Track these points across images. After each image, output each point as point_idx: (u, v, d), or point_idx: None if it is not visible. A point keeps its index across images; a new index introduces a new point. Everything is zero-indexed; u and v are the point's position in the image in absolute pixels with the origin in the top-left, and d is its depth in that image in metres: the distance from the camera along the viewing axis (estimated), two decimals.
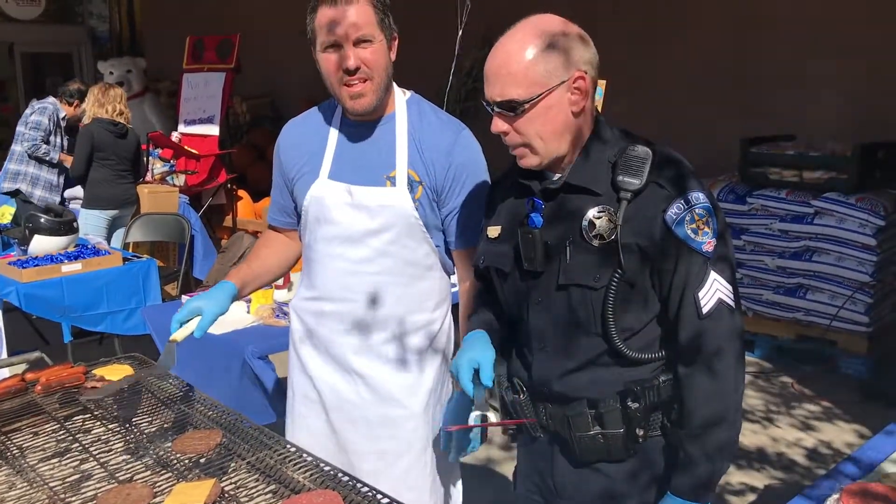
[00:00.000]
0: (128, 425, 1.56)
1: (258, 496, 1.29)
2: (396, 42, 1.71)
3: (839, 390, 4.19)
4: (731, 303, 1.38)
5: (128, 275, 4.00)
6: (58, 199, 5.68)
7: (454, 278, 1.88)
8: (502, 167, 1.59)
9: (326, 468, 1.37)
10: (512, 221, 1.50)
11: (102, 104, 5.04)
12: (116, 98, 5.10)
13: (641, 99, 5.50)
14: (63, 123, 5.76)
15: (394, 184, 1.72)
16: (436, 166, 1.72)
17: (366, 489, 1.29)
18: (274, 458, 1.40)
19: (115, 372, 1.75)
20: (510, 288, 1.51)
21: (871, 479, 1.61)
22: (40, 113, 5.63)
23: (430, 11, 5.95)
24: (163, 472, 1.38)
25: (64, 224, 4.02)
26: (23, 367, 2.06)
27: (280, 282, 3.09)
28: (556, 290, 1.42)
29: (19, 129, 5.67)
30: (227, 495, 1.29)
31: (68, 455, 1.46)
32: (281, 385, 2.44)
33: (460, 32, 4.32)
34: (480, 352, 1.49)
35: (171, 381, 1.76)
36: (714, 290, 1.36)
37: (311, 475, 1.35)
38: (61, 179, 5.75)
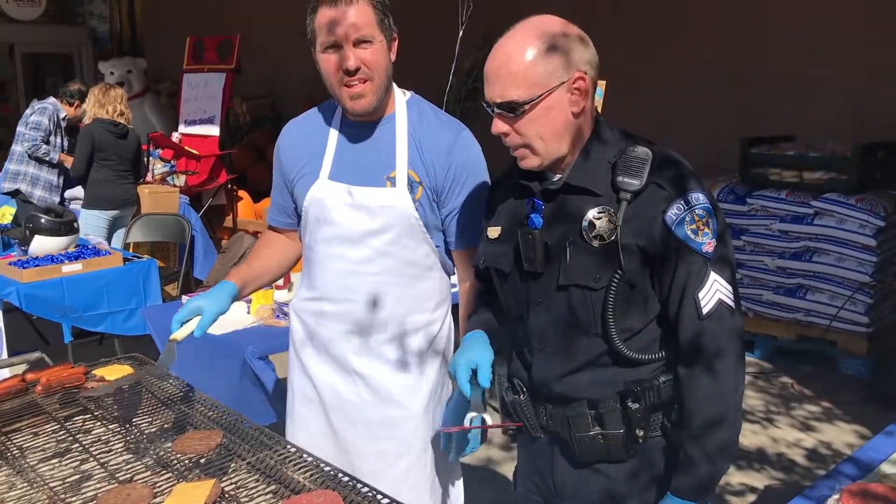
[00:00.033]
0: (128, 426, 1.56)
1: (258, 496, 1.29)
2: (396, 42, 1.71)
3: (839, 391, 4.19)
4: (732, 303, 1.38)
5: (128, 275, 4.00)
6: (57, 199, 5.68)
7: (454, 279, 1.88)
8: (502, 168, 1.59)
9: (326, 468, 1.37)
10: (512, 222, 1.50)
11: (103, 104, 5.04)
12: (117, 98, 5.10)
13: (641, 99, 5.50)
14: (63, 124, 5.76)
15: (394, 184, 1.72)
16: (436, 167, 1.73)
17: (366, 489, 1.29)
18: (274, 459, 1.40)
19: (116, 372, 1.75)
20: (510, 288, 1.51)
21: (871, 479, 1.61)
22: (40, 113, 5.63)
23: (431, 12, 5.95)
24: (163, 472, 1.38)
25: (64, 224, 4.02)
26: (23, 367, 2.06)
27: (280, 282, 3.10)
28: (556, 291, 1.42)
29: (19, 129, 5.67)
30: (227, 496, 1.29)
31: (68, 455, 1.46)
32: (281, 385, 2.44)
33: (461, 33, 4.32)
34: (478, 353, 1.49)
35: (171, 381, 1.76)
36: (714, 291, 1.36)
37: (312, 475, 1.35)
38: (61, 180, 5.76)
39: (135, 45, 10.29)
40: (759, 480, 3.30)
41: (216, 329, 2.81)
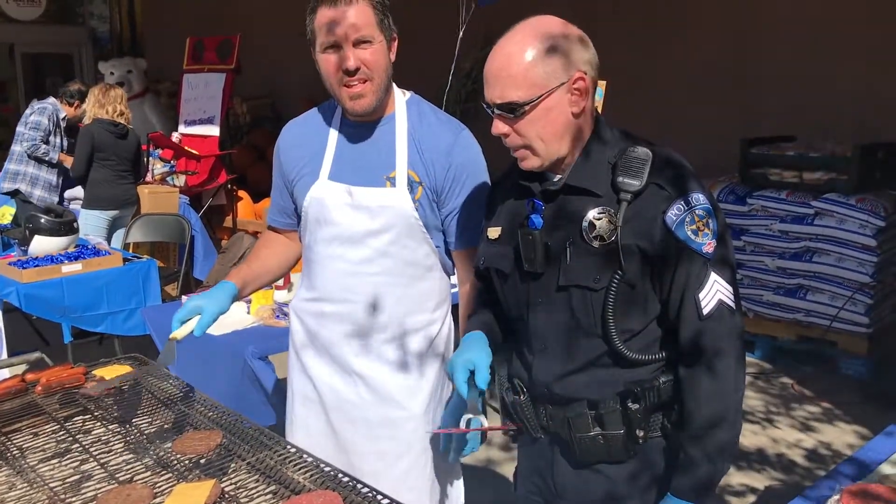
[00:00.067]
0: (128, 426, 1.56)
1: (258, 497, 1.29)
2: (396, 43, 1.71)
3: (839, 391, 4.19)
4: (732, 304, 1.38)
5: (128, 275, 4.00)
6: (56, 199, 5.68)
7: (454, 279, 1.88)
8: (502, 168, 1.59)
9: (326, 469, 1.37)
10: (512, 223, 1.50)
11: (103, 105, 5.04)
12: (117, 98, 5.10)
13: (641, 99, 5.50)
14: (63, 124, 5.76)
15: (394, 184, 1.72)
16: (436, 167, 1.73)
17: (366, 490, 1.29)
18: (274, 459, 1.40)
19: (116, 372, 1.75)
20: (510, 289, 1.51)
21: (871, 480, 1.61)
22: (40, 113, 5.63)
23: (431, 12, 5.95)
24: (163, 472, 1.38)
25: (64, 224, 4.02)
26: (23, 367, 2.06)
27: (280, 282, 3.10)
28: (557, 292, 1.42)
29: (19, 129, 5.68)
30: (227, 496, 1.29)
31: (68, 456, 1.46)
32: (281, 387, 2.44)
33: (461, 33, 4.32)
34: (476, 354, 1.49)
35: (171, 381, 1.76)
36: (714, 292, 1.36)
37: (312, 476, 1.35)
38: (60, 180, 5.76)
39: (135, 46, 10.29)
40: (759, 481, 3.30)
41: (216, 329, 2.82)
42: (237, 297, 1.79)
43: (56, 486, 1.32)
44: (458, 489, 1.95)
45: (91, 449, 1.46)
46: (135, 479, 1.35)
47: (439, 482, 1.88)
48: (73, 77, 9.22)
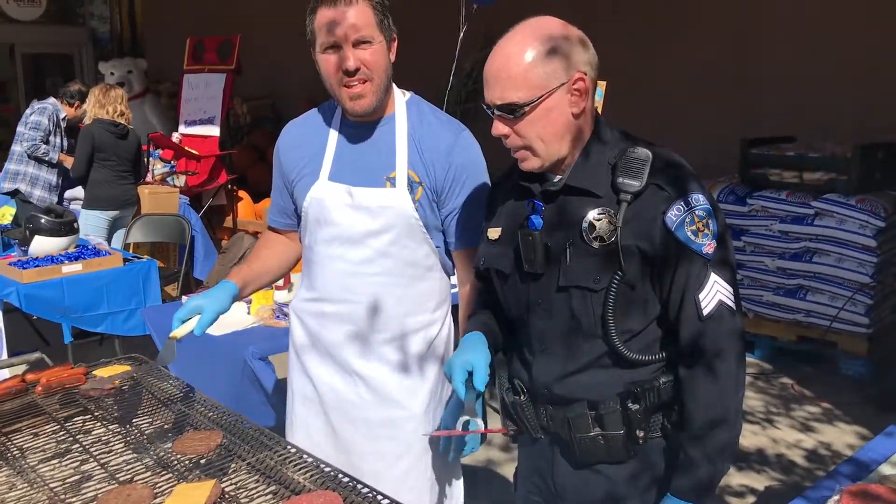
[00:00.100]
0: (128, 426, 1.56)
1: (258, 497, 1.29)
2: (396, 43, 1.71)
3: (839, 392, 4.19)
4: (732, 304, 1.38)
5: (128, 275, 4.00)
6: (56, 199, 5.68)
7: (454, 279, 1.88)
8: (502, 168, 1.59)
9: (327, 469, 1.37)
10: (512, 223, 1.50)
11: (103, 105, 5.04)
12: (117, 99, 5.11)
13: (641, 99, 5.50)
14: (63, 124, 5.76)
15: (394, 185, 1.72)
16: (436, 167, 1.73)
17: (366, 490, 1.29)
18: (274, 459, 1.40)
19: (116, 373, 1.75)
20: (510, 289, 1.51)
21: (871, 480, 1.61)
22: (40, 113, 5.63)
23: (431, 12, 5.95)
24: (163, 472, 1.38)
25: (64, 225, 4.02)
26: (23, 367, 2.06)
27: (280, 283, 3.10)
28: (557, 292, 1.42)
29: (19, 129, 5.68)
30: (227, 496, 1.29)
31: (69, 456, 1.46)
32: (281, 387, 2.44)
33: (462, 34, 4.32)
34: (474, 355, 1.48)
35: (171, 381, 1.76)
36: (714, 292, 1.36)
37: (312, 476, 1.35)
38: (60, 180, 5.76)
39: (135, 46, 10.30)
40: (758, 481, 3.30)
41: (216, 330, 2.82)
42: (237, 297, 1.79)
43: (56, 487, 1.32)
44: (457, 489, 1.95)
45: (91, 449, 1.46)
46: (135, 479, 1.36)
47: (439, 482, 1.88)
48: (74, 77, 9.21)
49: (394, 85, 1.76)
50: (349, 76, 1.64)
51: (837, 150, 4.54)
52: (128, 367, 1.79)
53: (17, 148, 5.63)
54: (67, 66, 10.58)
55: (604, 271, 1.37)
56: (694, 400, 1.39)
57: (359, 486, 1.30)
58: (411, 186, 1.72)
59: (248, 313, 3.06)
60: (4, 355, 3.72)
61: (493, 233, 1.53)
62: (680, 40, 5.73)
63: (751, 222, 4.70)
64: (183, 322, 1.67)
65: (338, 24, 1.61)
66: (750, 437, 3.67)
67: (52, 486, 1.32)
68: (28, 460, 1.43)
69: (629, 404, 1.43)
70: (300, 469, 1.37)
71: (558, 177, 1.45)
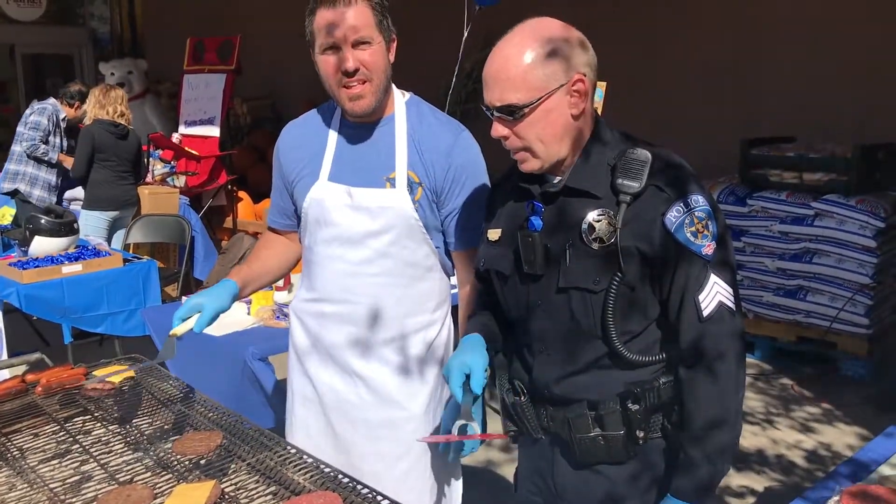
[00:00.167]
0: (128, 427, 1.56)
1: (258, 497, 1.29)
2: (395, 44, 1.71)
3: (839, 392, 4.19)
4: (732, 305, 1.38)
5: (128, 276, 4.00)
6: (55, 199, 5.68)
7: (454, 279, 1.88)
8: (502, 169, 1.59)
9: (326, 469, 1.37)
10: (512, 225, 1.50)
11: (103, 105, 5.04)
12: (117, 99, 5.11)
13: (641, 99, 5.50)
14: (63, 124, 5.77)
15: (393, 185, 1.72)
16: (435, 167, 1.73)
17: (366, 490, 1.29)
18: (274, 460, 1.40)
19: (116, 373, 1.75)
20: (510, 290, 1.51)
21: (871, 481, 1.61)
22: (39, 113, 5.64)
23: (430, 12, 5.95)
24: (163, 473, 1.38)
25: (64, 225, 4.03)
26: (23, 368, 2.07)
27: (280, 283, 3.10)
28: (557, 294, 1.42)
29: (19, 129, 5.69)
30: (227, 497, 1.29)
31: (69, 456, 1.46)
32: (281, 388, 2.44)
33: (465, 34, 4.32)
34: (472, 357, 1.48)
35: (171, 382, 1.76)
36: (714, 294, 1.36)
37: (312, 477, 1.35)
38: (60, 180, 5.76)
39: (135, 46, 10.30)
40: (758, 482, 3.30)
41: (216, 330, 2.83)
42: (238, 296, 1.79)
43: (56, 487, 1.32)
44: (456, 490, 1.95)
45: (91, 450, 1.46)
46: (135, 479, 1.36)
47: (438, 483, 1.88)
48: (74, 78, 9.21)
49: (393, 85, 1.76)
50: (348, 77, 1.64)
51: (837, 150, 4.54)
52: (128, 368, 1.79)
53: (16, 148, 5.64)
54: (67, 67, 10.58)
55: (603, 273, 1.37)
56: (694, 400, 1.39)
57: (359, 486, 1.30)
58: (411, 187, 1.72)
59: (248, 314, 3.06)
60: (4, 356, 3.72)
61: (493, 234, 1.53)
62: (680, 40, 5.74)
63: (751, 223, 4.70)
64: (183, 321, 1.68)
65: (337, 24, 1.61)
66: (750, 438, 3.67)
67: (52, 486, 1.32)
68: (28, 461, 1.43)
69: (629, 405, 1.43)
70: (300, 470, 1.37)
71: (558, 178, 1.45)
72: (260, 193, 6.99)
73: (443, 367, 1.85)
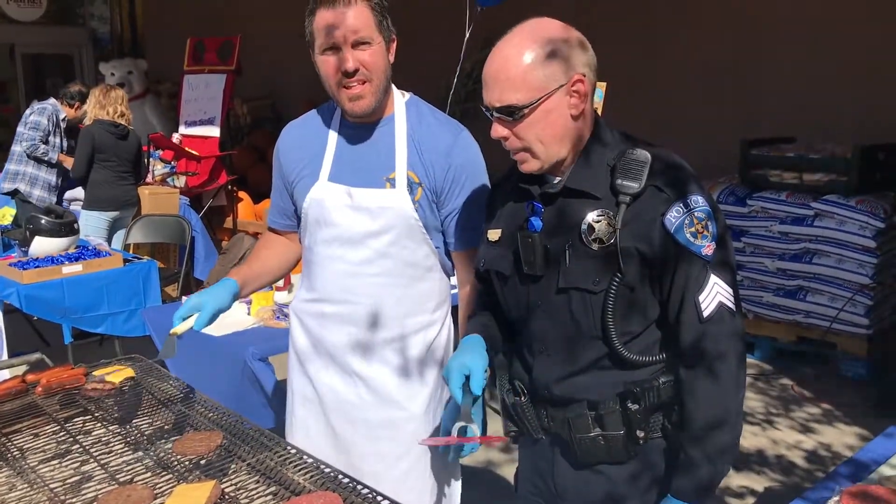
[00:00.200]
0: (128, 427, 1.56)
1: (258, 498, 1.29)
2: (395, 44, 1.71)
3: (839, 393, 4.19)
4: (732, 306, 1.38)
5: (128, 276, 4.00)
6: (55, 199, 5.68)
7: (454, 280, 1.88)
8: (502, 169, 1.59)
9: (327, 470, 1.37)
10: (512, 225, 1.50)
11: (104, 105, 5.04)
12: (118, 99, 5.11)
13: (641, 99, 5.50)
14: (63, 125, 5.77)
15: (393, 185, 1.72)
16: (435, 168, 1.73)
17: (366, 491, 1.29)
18: (274, 460, 1.40)
19: (116, 373, 1.75)
20: (510, 291, 1.51)
21: (871, 481, 1.61)
22: (39, 113, 5.64)
23: (430, 13, 5.96)
24: (163, 473, 1.38)
25: (64, 225, 4.03)
26: (23, 368, 2.07)
27: (281, 283, 3.10)
28: (556, 294, 1.42)
29: (19, 129, 5.69)
30: (227, 497, 1.29)
31: (69, 456, 1.46)
32: (281, 388, 2.44)
33: (467, 35, 4.32)
34: (472, 358, 1.48)
35: (171, 382, 1.76)
36: (714, 294, 1.36)
37: (312, 477, 1.35)
38: (60, 180, 5.76)
39: (135, 47, 10.30)
40: (758, 482, 3.30)
41: (216, 330, 2.83)
42: (238, 296, 1.79)
43: (56, 487, 1.32)
44: (455, 490, 1.95)
45: (91, 450, 1.47)
46: (135, 479, 1.36)
47: (438, 483, 1.88)
48: (74, 78, 9.22)
49: (393, 86, 1.76)
50: (348, 77, 1.64)
51: (837, 150, 4.54)
52: (128, 369, 1.79)
53: (16, 148, 5.64)
54: (68, 67, 10.58)
55: (603, 273, 1.37)
56: (694, 401, 1.39)
57: (359, 486, 1.31)
58: (411, 187, 1.72)
59: (249, 314, 3.06)
60: (5, 356, 3.73)
61: (493, 234, 1.53)
62: (680, 40, 5.74)
63: (751, 223, 4.70)
64: (184, 320, 1.68)
65: (336, 25, 1.61)
66: (750, 438, 3.67)
67: (52, 486, 1.33)
68: (28, 461, 1.43)
69: (629, 404, 1.43)
70: (300, 470, 1.37)
71: (557, 179, 1.45)
72: (260, 194, 6.99)
73: (443, 368, 1.85)
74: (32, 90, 9.79)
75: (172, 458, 1.41)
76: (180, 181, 6.43)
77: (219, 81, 6.69)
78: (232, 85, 6.73)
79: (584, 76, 1.36)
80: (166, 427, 1.57)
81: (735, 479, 3.29)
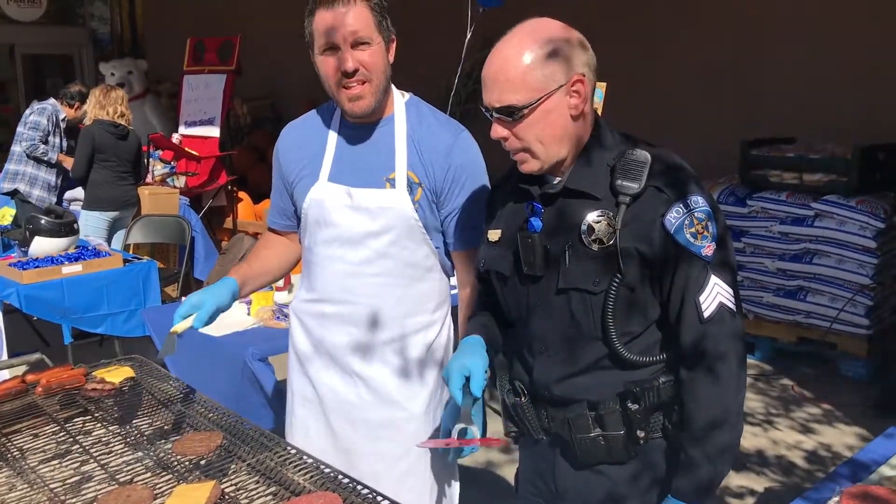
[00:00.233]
0: (128, 427, 1.56)
1: (258, 498, 1.29)
2: (394, 44, 1.71)
3: (839, 393, 4.19)
4: (732, 306, 1.38)
5: (128, 276, 4.00)
6: (55, 199, 5.68)
7: (454, 280, 1.88)
8: (502, 170, 1.59)
9: (326, 470, 1.37)
10: (512, 225, 1.49)
11: (104, 106, 5.05)
12: (118, 100, 5.11)
13: (641, 99, 5.50)
14: (63, 125, 5.77)
15: (393, 186, 1.72)
16: (435, 168, 1.73)
17: (366, 491, 1.29)
18: (274, 461, 1.40)
19: (116, 374, 1.75)
20: (510, 291, 1.51)
21: (871, 481, 1.61)
22: (39, 113, 5.64)
23: (430, 13, 5.96)
24: (163, 473, 1.38)
25: (64, 226, 4.03)
26: (23, 368, 2.07)
27: (280, 283, 3.10)
28: (556, 295, 1.42)
29: (19, 129, 5.69)
30: (227, 497, 1.29)
31: (69, 457, 1.46)
32: (281, 388, 2.44)
33: (468, 36, 4.32)
34: (472, 359, 1.48)
35: (171, 382, 1.76)
36: (715, 295, 1.36)
37: (311, 477, 1.35)
38: (59, 180, 5.76)
39: (135, 47, 10.30)
40: (758, 483, 3.30)
41: (216, 330, 2.83)
42: (237, 295, 1.79)
43: (56, 488, 1.32)
44: (455, 490, 1.95)
45: (91, 450, 1.47)
46: (135, 480, 1.36)
47: (438, 483, 1.88)
48: (74, 78, 9.23)
49: (393, 86, 1.76)
50: (348, 77, 1.64)
51: (837, 151, 4.54)
52: (128, 369, 1.79)
53: (16, 148, 5.64)
54: (67, 67, 10.58)
55: (603, 274, 1.37)
56: (695, 401, 1.39)
57: (358, 486, 1.31)
58: (411, 187, 1.72)
59: (249, 314, 3.06)
60: (4, 356, 3.73)
61: (493, 235, 1.53)
62: (680, 40, 5.74)
63: (751, 223, 4.70)
64: (184, 318, 1.68)
65: (336, 25, 1.61)
66: (750, 439, 3.67)
67: (52, 486, 1.32)
68: (28, 461, 1.43)
69: (629, 404, 1.42)
70: (300, 470, 1.37)
71: (557, 179, 1.44)
72: (260, 194, 6.99)
73: (443, 368, 1.85)
74: (32, 90, 9.78)
75: (172, 459, 1.41)
76: (180, 181, 6.43)
77: (219, 81, 6.69)
78: (232, 85, 6.73)
79: (584, 76, 1.36)
80: (166, 427, 1.56)
81: (735, 479, 3.29)
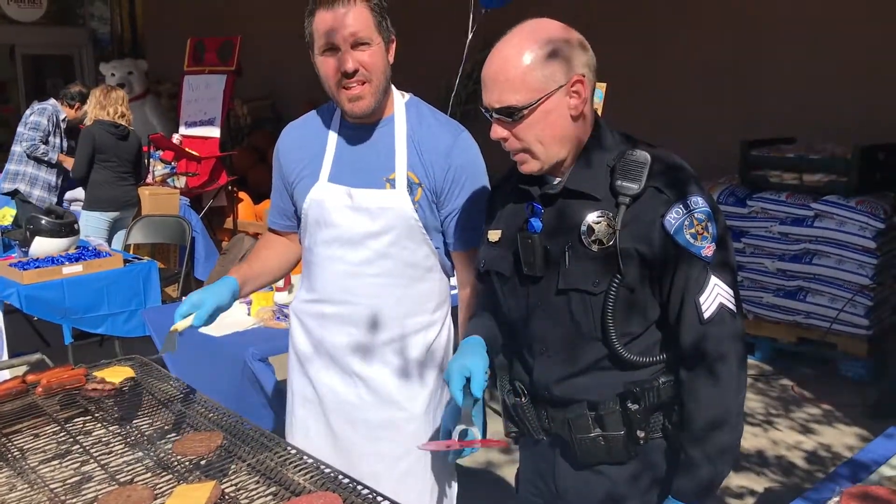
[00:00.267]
0: (129, 427, 1.56)
1: (258, 498, 1.29)
2: (394, 44, 1.71)
3: (839, 393, 4.19)
4: (733, 307, 1.38)
5: (128, 277, 4.00)
6: (55, 199, 5.69)
7: (454, 280, 1.88)
8: (502, 170, 1.59)
9: (327, 470, 1.37)
10: (512, 226, 1.49)
11: (104, 106, 5.05)
12: (118, 100, 5.11)
13: (641, 99, 5.50)
14: (63, 125, 5.77)
15: (393, 186, 1.72)
16: (435, 168, 1.73)
17: (366, 491, 1.29)
18: (274, 461, 1.40)
19: (116, 374, 1.75)
20: (510, 292, 1.51)
21: (871, 482, 1.61)
22: (39, 114, 5.65)
23: (431, 13, 5.96)
24: (163, 473, 1.38)
25: (65, 226, 4.03)
26: (23, 368, 2.07)
27: (281, 284, 3.10)
28: (556, 295, 1.42)
29: (19, 129, 5.70)
30: (227, 497, 1.29)
31: (69, 457, 1.46)
32: (281, 388, 2.44)
33: (470, 36, 4.32)
34: (472, 360, 1.48)
35: (171, 382, 1.77)
36: (715, 295, 1.36)
37: (312, 477, 1.35)
38: (60, 180, 5.77)
39: (136, 47, 10.30)
40: (758, 483, 3.30)
41: (217, 330, 2.83)
42: (238, 294, 1.79)
43: (56, 488, 1.32)
44: (454, 490, 1.95)
45: (92, 450, 1.47)
46: (135, 480, 1.36)
47: (438, 483, 1.88)
48: (74, 78, 9.23)
49: (392, 86, 1.76)
50: (348, 78, 1.64)
51: (837, 151, 4.54)
52: (129, 370, 1.79)
53: (16, 148, 5.65)
54: (68, 67, 10.58)
55: (603, 274, 1.37)
56: (695, 401, 1.39)
57: (358, 487, 1.31)
58: (411, 188, 1.72)
59: (249, 314, 3.06)
60: (5, 356, 3.73)
61: (493, 235, 1.53)
62: (680, 40, 5.74)
63: (751, 224, 4.70)
64: (184, 317, 1.68)
65: (336, 26, 1.61)
66: (750, 439, 3.67)
67: (52, 486, 1.33)
68: (28, 461, 1.44)
69: (629, 404, 1.43)
70: (300, 470, 1.37)
71: (557, 179, 1.45)
72: (260, 194, 6.99)
73: (443, 369, 1.85)
74: (32, 91, 9.79)
75: (172, 459, 1.41)
76: (180, 182, 6.43)
77: (219, 82, 6.69)
78: (232, 85, 6.74)
79: (584, 77, 1.36)
80: (166, 427, 1.57)
81: (735, 480, 3.29)
